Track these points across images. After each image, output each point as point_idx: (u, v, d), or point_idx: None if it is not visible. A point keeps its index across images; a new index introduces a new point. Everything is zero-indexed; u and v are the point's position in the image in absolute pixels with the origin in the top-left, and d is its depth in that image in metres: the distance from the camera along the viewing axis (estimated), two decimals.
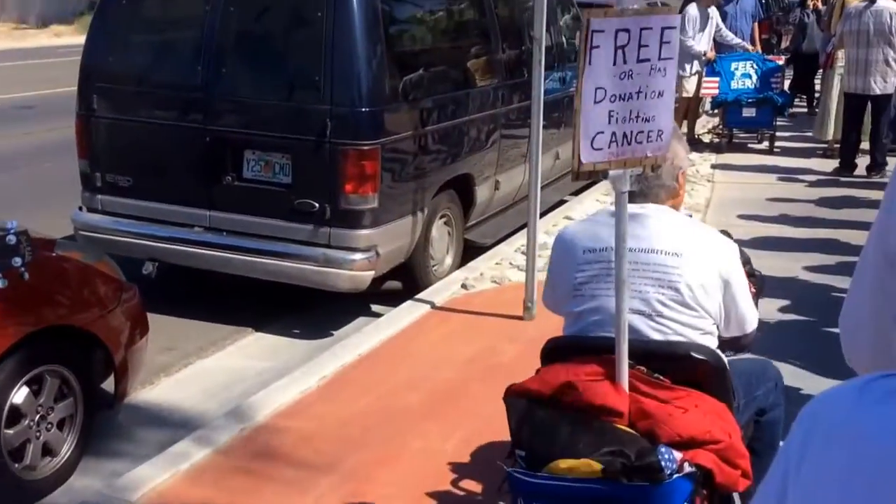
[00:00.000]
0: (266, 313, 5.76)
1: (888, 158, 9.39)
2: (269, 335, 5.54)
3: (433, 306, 5.59)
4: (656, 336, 2.52)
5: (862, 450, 0.68)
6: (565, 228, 2.88)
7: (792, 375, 4.14)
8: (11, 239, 3.46)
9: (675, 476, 2.21)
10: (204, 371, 5.08)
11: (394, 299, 5.77)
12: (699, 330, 2.54)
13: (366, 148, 5.19)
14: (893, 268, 1.33)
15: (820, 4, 12.89)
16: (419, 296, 5.73)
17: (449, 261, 6.29)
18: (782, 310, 5.49)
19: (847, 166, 9.54)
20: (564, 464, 2.27)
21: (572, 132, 2.36)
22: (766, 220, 7.66)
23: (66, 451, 3.79)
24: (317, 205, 5.23)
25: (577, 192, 8.57)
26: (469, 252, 6.54)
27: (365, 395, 4.44)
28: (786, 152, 10.73)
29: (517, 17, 7.23)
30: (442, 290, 5.85)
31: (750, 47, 11.09)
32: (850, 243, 6.58)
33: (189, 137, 5.52)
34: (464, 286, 5.94)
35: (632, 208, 2.47)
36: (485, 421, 3.91)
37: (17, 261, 3.46)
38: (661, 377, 2.44)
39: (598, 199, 8.21)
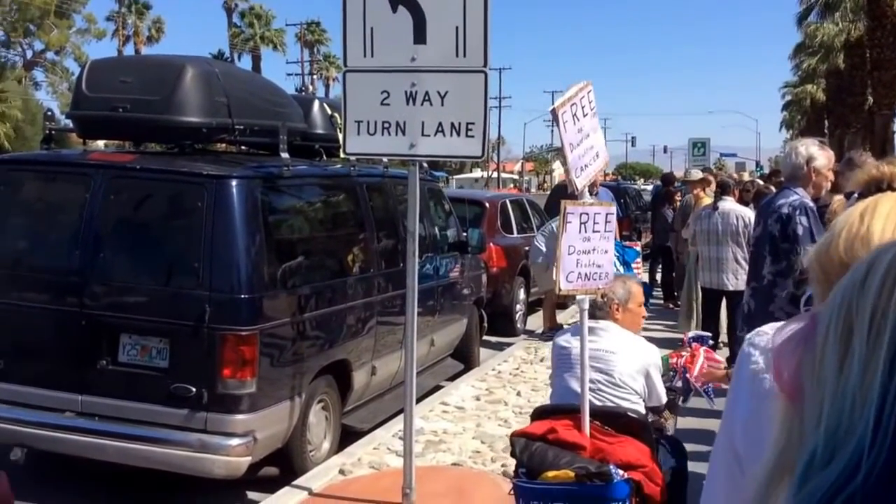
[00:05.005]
0: (137, 501, 5.54)
1: None
2: None
3: (310, 493, 5.51)
4: (599, 403, 4.09)
5: None
6: (559, 337, 4.55)
7: None
8: None
9: (619, 480, 3.57)
10: None
11: (270, 485, 5.66)
12: (627, 401, 4.16)
13: (244, 333, 5.24)
14: (741, 463, 1.46)
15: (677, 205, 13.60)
16: (296, 482, 5.64)
17: (326, 446, 6.25)
18: None
19: None
20: (551, 474, 3.67)
21: (552, 274, 4.13)
22: None
23: None
24: (194, 389, 5.19)
25: (452, 378, 8.72)
26: (347, 437, 6.52)
27: None
28: (650, 342, 11.12)
29: (392, 209, 7.57)
30: (319, 476, 5.78)
31: None
32: (708, 430, 6.89)
33: (63, 321, 5.47)
34: (341, 472, 5.89)
35: (591, 322, 4.21)
36: None
37: None
38: (609, 428, 3.94)
39: (472, 385, 8.39)
